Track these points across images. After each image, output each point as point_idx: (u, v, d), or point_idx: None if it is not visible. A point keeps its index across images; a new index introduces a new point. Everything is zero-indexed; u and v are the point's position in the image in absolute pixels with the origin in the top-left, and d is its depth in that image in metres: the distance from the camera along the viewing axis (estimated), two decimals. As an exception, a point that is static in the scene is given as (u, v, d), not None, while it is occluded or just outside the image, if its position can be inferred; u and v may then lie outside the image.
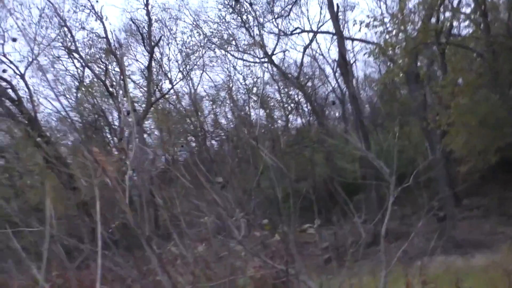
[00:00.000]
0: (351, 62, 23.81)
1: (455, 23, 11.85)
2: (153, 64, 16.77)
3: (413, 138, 17.60)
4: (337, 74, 18.63)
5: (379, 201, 14.85)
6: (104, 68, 14.83)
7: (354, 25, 15.32)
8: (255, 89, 19.50)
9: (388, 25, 11.84)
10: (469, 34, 9.98)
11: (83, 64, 14.36)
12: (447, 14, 12.34)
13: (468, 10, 10.86)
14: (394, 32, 11.72)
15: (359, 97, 27.44)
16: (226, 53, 19.23)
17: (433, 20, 11.48)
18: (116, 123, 16.83)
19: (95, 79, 14.36)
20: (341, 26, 18.39)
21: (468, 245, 10.53)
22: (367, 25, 11.88)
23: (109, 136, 17.62)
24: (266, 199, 16.94)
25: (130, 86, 18.10)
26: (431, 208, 14.04)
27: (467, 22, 10.97)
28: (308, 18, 19.06)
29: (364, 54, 18.90)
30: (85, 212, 11.60)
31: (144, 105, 15.31)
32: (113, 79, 15.00)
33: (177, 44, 17.60)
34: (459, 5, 12.09)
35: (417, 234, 13.24)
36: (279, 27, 18.10)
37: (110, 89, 14.78)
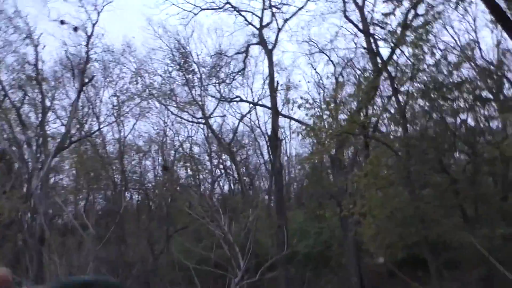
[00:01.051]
0: (287, 138, 24.68)
1: (380, 121, 12.70)
2: (81, 103, 16.07)
3: (331, 222, 17.91)
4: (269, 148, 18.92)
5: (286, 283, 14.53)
6: (22, 97, 13.87)
7: (286, 104, 15.85)
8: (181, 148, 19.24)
9: (318, 109, 12.41)
10: (389, 132, 10.60)
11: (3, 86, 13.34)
12: (375, 110, 13.32)
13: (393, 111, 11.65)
14: (324, 117, 12.29)
15: (289, 174, 28.12)
16: (165, 107, 19.02)
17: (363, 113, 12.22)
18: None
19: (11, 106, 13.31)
20: (282, 103, 19.16)
21: None
22: (299, 106, 12.35)
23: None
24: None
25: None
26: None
27: (391, 121, 11.72)
28: (251, 89, 19.65)
29: (293, 133, 19.59)
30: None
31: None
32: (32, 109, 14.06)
33: (114, 87, 17.15)
34: (387, 104, 13.07)
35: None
36: (221, 92, 18.40)
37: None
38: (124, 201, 17.86)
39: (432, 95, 9.59)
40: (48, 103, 16.02)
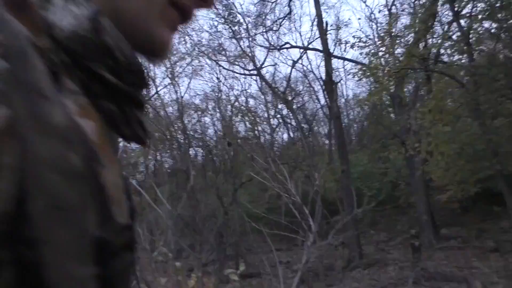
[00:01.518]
0: (343, 80, 23.82)
1: (442, 50, 11.71)
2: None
3: (396, 162, 17.40)
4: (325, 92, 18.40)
5: (355, 225, 14.55)
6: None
7: (338, 44, 15.08)
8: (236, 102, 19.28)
9: (372, 46, 11.70)
10: (453, 62, 9.77)
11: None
12: (435, 40, 12.29)
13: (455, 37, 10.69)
14: (379, 54, 11.58)
15: (348, 116, 27.40)
16: (215, 62, 19.00)
17: (422, 45, 11.33)
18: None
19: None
20: (334, 43, 18.32)
21: (439, 278, 10.21)
22: (352, 46, 11.71)
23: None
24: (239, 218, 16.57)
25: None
26: (408, 236, 13.66)
27: (453, 50, 10.79)
28: (300, 33, 18.97)
29: (349, 75, 18.81)
30: None
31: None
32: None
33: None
34: (448, 31, 11.97)
35: (392, 262, 12.95)
36: (270, 41, 17.96)
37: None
38: (189, 159, 18.61)
39: (500, 15, 8.57)
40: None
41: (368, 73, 11.12)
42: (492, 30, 8.88)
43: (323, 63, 16.56)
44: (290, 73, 18.68)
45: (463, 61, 10.03)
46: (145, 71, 0.46)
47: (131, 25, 0.43)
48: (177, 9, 0.47)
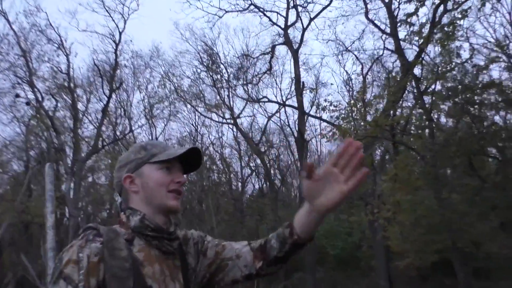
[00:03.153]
0: (319, 137, 24.39)
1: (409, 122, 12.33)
2: (113, 106, 16.61)
3: (362, 223, 17.60)
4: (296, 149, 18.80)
5: (314, 285, 14.45)
6: (55, 105, 14.54)
7: (312, 105, 15.70)
8: (211, 148, 19.45)
9: (344, 111, 12.21)
10: (416, 134, 10.28)
11: (36, 96, 14.03)
12: (404, 112, 12.94)
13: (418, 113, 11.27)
14: (350, 119, 12.09)
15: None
16: (193, 108, 19.34)
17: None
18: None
19: (44, 113, 13.98)
20: (310, 103, 18.98)
21: None
22: (323, 109, 12.22)
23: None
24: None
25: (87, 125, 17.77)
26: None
27: (417, 123, 11.36)
28: (280, 89, 19.63)
29: (318, 136, 19.36)
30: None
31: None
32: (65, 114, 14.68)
33: (145, 90, 17.62)
34: (416, 104, 12.67)
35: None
36: (249, 93, 18.47)
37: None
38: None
39: (459, 97, 9.19)
40: (82, 107, 16.80)
41: (336, 137, 11.51)
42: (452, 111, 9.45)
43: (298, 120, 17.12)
44: (265, 125, 19.09)
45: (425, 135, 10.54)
46: (163, 229, 1.24)
47: (157, 205, 1.25)
48: (174, 191, 1.27)
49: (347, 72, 17.19)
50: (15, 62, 13.36)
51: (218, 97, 18.34)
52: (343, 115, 11.96)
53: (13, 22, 13.11)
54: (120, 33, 14.65)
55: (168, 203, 1.24)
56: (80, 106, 16.98)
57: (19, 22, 15.63)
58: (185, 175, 1.33)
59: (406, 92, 12.04)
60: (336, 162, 1.08)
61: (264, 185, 21.46)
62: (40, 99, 15.17)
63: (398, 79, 11.58)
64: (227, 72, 18.30)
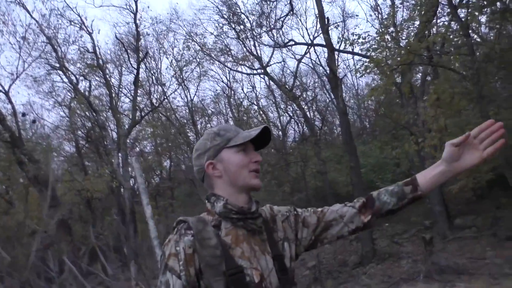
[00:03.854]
0: (352, 72, 23.58)
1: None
2: (145, 76, 16.79)
3: (409, 152, 17.24)
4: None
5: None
6: (89, 84, 14.91)
7: (339, 42, 14.99)
8: (245, 102, 19.39)
9: (373, 41, 11.61)
10: (452, 55, 9.66)
11: (71, 79, 14.41)
12: (437, 30, 12.12)
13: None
14: (381, 49, 11.51)
15: (364, 105, 27.14)
16: (222, 64, 19.18)
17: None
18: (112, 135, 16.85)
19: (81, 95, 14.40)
20: (342, 35, 18.20)
21: (451, 272, 10.20)
22: (351, 44, 11.69)
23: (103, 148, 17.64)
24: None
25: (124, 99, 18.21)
26: (422, 228, 13.60)
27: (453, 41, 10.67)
28: (306, 28, 18.92)
29: (351, 71, 18.68)
30: (65, 230, 11.62)
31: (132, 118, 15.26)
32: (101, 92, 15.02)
33: (172, 55, 17.60)
34: (450, 22, 11.82)
35: (405, 255, 12.97)
36: (275, 39, 17.96)
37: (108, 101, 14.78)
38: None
39: (498, 4, 8.43)
40: (117, 82, 17.15)
41: (369, 70, 11.07)
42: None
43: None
44: (296, 69, 18.63)
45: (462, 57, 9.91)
46: (245, 210, 1.37)
47: (241, 186, 1.39)
48: (254, 171, 1.40)
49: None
50: (44, 49, 13.69)
51: (244, 49, 18.02)
52: (374, 46, 11.39)
53: (32, 11, 13.29)
54: (136, 2, 14.51)
55: (251, 182, 1.39)
56: (114, 81, 17.40)
57: (37, 11, 15.85)
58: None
59: (440, 8, 11.21)
60: (477, 134, 1.35)
61: (304, 129, 21.36)
62: (75, 81, 15.64)
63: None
64: (249, 21, 17.81)
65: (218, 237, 1.29)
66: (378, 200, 1.49)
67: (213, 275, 1.23)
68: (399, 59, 10.28)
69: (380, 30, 11.30)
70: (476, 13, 9.59)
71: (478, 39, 9.78)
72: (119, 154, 13.38)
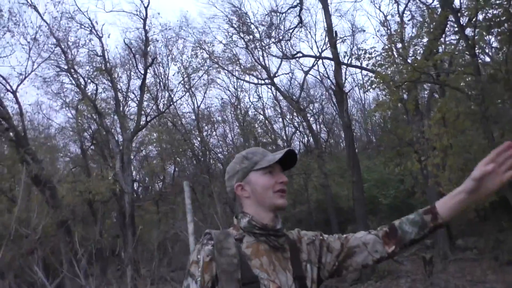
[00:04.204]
0: (358, 85, 23.57)
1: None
2: (152, 81, 16.91)
3: (413, 169, 17.09)
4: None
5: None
6: (95, 87, 15.05)
7: (344, 57, 15.01)
8: (250, 111, 19.41)
9: (380, 57, 11.60)
10: (458, 74, 9.61)
11: (78, 81, 14.56)
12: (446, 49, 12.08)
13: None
14: (386, 65, 11.49)
15: (371, 120, 27.08)
16: (229, 73, 19.27)
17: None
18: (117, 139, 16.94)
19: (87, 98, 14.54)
20: (351, 49, 18.24)
21: (449, 294, 10.04)
22: (358, 58, 11.70)
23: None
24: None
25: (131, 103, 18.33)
26: (423, 247, 13.39)
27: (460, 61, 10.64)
28: (315, 41, 18.99)
29: (356, 86, 18.62)
30: (65, 231, 11.63)
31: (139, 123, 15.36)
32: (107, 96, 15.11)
33: (180, 61, 17.72)
34: (458, 42, 11.77)
35: (404, 274, 12.80)
36: (283, 50, 18.03)
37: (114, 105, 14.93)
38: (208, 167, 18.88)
39: (505, 26, 8.38)
40: (125, 86, 17.30)
41: (374, 85, 11.04)
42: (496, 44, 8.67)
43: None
44: (303, 81, 18.67)
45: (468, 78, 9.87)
46: (269, 227, 1.44)
47: (267, 206, 1.47)
48: (279, 191, 1.47)
49: (383, 13, 16.18)
50: (53, 51, 13.88)
51: (252, 59, 18.11)
52: (379, 62, 11.37)
53: (44, 13, 13.49)
54: (146, 8, 14.68)
55: (276, 202, 1.48)
56: (122, 85, 17.54)
57: (48, 13, 16.07)
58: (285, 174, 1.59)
59: (449, 25, 11.17)
60: (494, 159, 1.33)
61: (310, 141, 21.31)
62: (83, 84, 15.81)
63: (437, 14, 10.77)
64: (258, 31, 17.91)
65: (239, 248, 1.38)
66: (400, 230, 1.49)
67: (228, 282, 1.30)
68: (405, 75, 10.26)
69: (387, 46, 11.27)
70: (484, 33, 9.56)
71: (488, 59, 9.70)
72: (123, 158, 13.44)
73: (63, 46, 13.57)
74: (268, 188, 1.47)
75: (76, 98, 17.31)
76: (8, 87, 12.31)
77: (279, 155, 1.48)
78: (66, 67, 13.98)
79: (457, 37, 11.58)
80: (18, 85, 12.87)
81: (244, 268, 1.34)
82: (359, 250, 1.52)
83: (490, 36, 9.52)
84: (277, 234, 1.46)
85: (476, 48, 9.54)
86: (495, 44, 10.06)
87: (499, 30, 8.45)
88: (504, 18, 8.41)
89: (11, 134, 11.79)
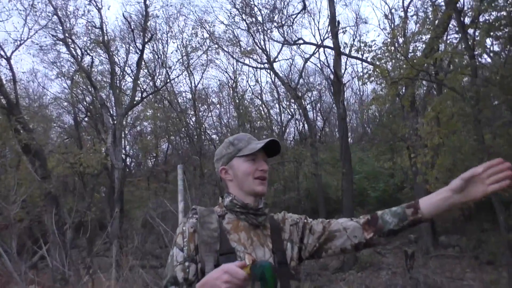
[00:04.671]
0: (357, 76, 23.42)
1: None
2: (150, 57, 16.73)
3: (404, 164, 17.20)
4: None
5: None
6: (91, 60, 14.88)
7: (344, 48, 14.88)
8: (247, 95, 19.30)
9: (379, 51, 11.53)
10: (453, 74, 9.59)
11: (75, 52, 14.38)
12: (448, 47, 12.01)
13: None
14: (385, 59, 11.43)
15: (368, 112, 27.03)
16: (229, 54, 19.09)
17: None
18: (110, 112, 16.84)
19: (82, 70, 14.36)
20: (353, 40, 18.07)
21: (428, 289, 10.25)
22: (357, 50, 11.62)
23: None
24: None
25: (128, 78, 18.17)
26: (406, 241, 13.57)
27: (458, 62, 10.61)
28: (318, 28, 18.79)
29: (353, 78, 18.53)
30: (53, 202, 11.66)
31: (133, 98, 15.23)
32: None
33: (180, 39, 17.52)
34: (459, 42, 11.69)
35: (386, 267, 13.01)
36: (285, 35, 17.85)
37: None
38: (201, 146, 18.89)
39: (503, 30, 8.34)
40: (121, 61, 17.12)
41: (372, 79, 11.02)
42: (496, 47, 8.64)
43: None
44: (302, 68, 18.55)
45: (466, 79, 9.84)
46: (248, 206, 1.55)
47: (247, 190, 1.57)
48: (259, 178, 1.57)
49: (388, 6, 16.01)
50: (51, 19, 13.64)
51: (253, 42, 17.92)
52: (379, 55, 11.31)
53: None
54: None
55: (255, 189, 1.57)
56: (119, 59, 17.35)
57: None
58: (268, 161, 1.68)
59: (451, 24, 11.08)
60: (486, 169, 1.38)
61: (305, 128, 21.31)
62: (80, 55, 15.62)
63: (441, 11, 10.68)
64: (261, 14, 17.68)
65: (220, 224, 1.51)
66: (381, 219, 1.56)
67: (207, 252, 1.42)
68: (402, 71, 10.23)
69: (388, 40, 11.19)
70: (484, 35, 9.51)
71: (489, 60, 9.67)
72: (115, 133, 13.38)
73: (60, 15, 13.36)
74: (248, 174, 1.57)
75: (72, 69, 17.15)
76: (2, 53, 12.10)
77: (260, 145, 1.57)
78: (62, 37, 13.78)
79: (458, 37, 11.52)
80: (13, 52, 12.72)
81: (223, 240, 1.46)
82: (339, 234, 1.59)
83: (491, 39, 9.45)
84: (256, 213, 1.56)
85: (475, 50, 9.50)
86: (495, 48, 10.00)
87: (498, 34, 8.41)
88: (505, 22, 8.36)
89: (3, 101, 11.67)
